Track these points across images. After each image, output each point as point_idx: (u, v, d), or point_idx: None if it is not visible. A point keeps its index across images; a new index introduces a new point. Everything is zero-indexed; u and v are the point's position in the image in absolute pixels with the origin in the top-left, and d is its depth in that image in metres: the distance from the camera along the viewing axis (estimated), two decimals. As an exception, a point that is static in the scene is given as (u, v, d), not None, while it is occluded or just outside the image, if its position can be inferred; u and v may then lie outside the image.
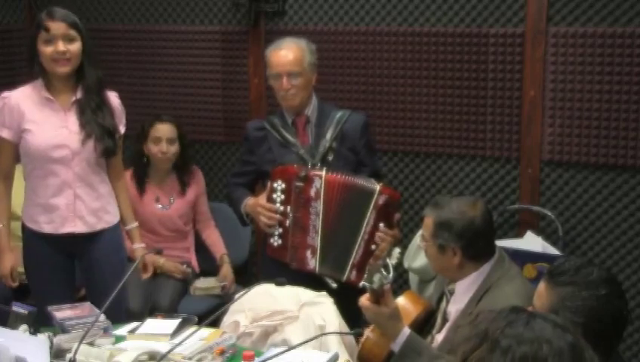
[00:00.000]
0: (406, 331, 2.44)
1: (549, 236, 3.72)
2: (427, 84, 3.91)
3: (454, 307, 2.61)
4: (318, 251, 3.13)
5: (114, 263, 3.20)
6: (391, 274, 2.43)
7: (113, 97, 3.25)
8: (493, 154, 3.84)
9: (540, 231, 3.73)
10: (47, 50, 3.05)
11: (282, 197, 3.15)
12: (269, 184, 3.19)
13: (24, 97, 3.14)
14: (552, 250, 3.58)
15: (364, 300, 2.45)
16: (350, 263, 3.13)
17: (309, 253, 3.14)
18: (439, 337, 2.63)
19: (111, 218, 3.26)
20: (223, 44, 4.30)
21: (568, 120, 3.66)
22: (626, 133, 3.57)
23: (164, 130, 3.91)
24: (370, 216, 3.11)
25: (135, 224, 3.41)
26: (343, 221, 3.11)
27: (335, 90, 4.09)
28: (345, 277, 3.13)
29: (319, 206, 3.11)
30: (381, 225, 3.13)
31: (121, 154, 3.33)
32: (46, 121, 3.11)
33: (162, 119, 3.93)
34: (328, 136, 3.24)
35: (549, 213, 3.73)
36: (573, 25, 3.61)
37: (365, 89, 4.04)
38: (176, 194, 4.01)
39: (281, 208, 3.16)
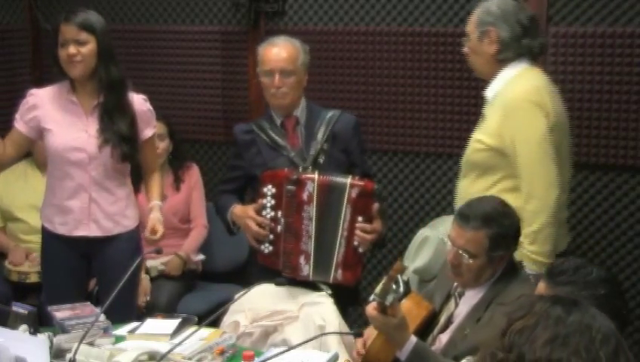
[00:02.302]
0: (413, 339, 2.40)
1: (549, 236, 3.71)
2: (427, 84, 3.91)
3: (463, 309, 2.60)
4: (312, 257, 3.02)
5: (129, 267, 3.13)
6: (401, 289, 2.41)
7: (139, 101, 3.20)
8: (493, 154, 3.83)
9: (540, 231, 3.72)
10: (61, 53, 3.07)
11: (273, 202, 3.03)
12: (258, 189, 3.08)
13: (50, 97, 3.15)
14: (552, 250, 3.57)
15: (371, 310, 2.42)
16: (334, 263, 3.02)
17: (302, 260, 3.02)
18: (443, 337, 2.62)
19: (129, 222, 3.23)
20: (223, 44, 4.31)
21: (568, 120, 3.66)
22: (625, 133, 3.57)
23: None
24: (345, 211, 3.00)
25: (156, 202, 3.25)
26: (326, 221, 3.02)
27: (335, 90, 4.09)
28: (331, 278, 3.02)
29: (312, 210, 3.00)
30: (359, 219, 3.02)
31: (154, 155, 3.32)
32: (67, 124, 3.11)
33: None
34: (319, 137, 3.15)
35: (549, 213, 3.72)
36: (573, 25, 3.61)
37: (365, 89, 4.04)
38: (170, 190, 4.01)
39: (272, 213, 3.04)
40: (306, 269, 3.01)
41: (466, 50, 3.10)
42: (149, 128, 3.24)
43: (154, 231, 3.14)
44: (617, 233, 3.67)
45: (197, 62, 4.41)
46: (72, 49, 3.04)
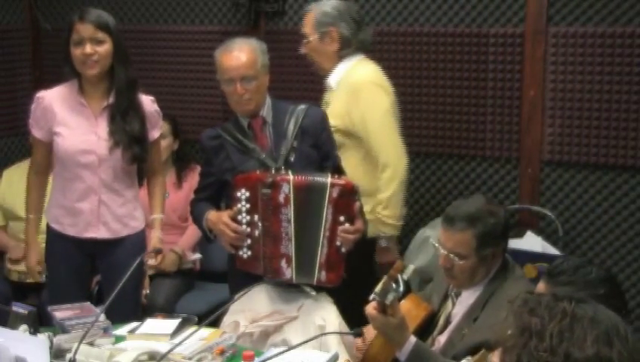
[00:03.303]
0: (412, 340, 2.40)
1: (549, 236, 3.72)
2: (427, 84, 3.91)
3: (460, 309, 2.61)
4: (293, 259, 2.90)
5: (134, 270, 3.06)
6: (401, 288, 2.41)
7: (147, 102, 3.21)
8: (493, 154, 3.84)
9: (539, 231, 3.72)
10: (76, 52, 3.05)
11: (248, 206, 2.92)
12: (231, 194, 2.98)
13: (58, 99, 3.13)
14: (552, 250, 3.58)
15: (371, 309, 2.42)
16: (317, 264, 2.92)
17: (283, 263, 2.90)
18: (442, 339, 2.62)
19: (137, 224, 3.23)
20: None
21: (568, 120, 3.66)
22: (625, 133, 3.57)
23: None
24: (327, 211, 2.89)
25: (158, 215, 3.29)
26: (306, 222, 2.92)
27: (335, 90, 4.09)
28: (315, 280, 2.92)
29: (290, 212, 2.88)
30: (341, 218, 2.90)
31: (159, 157, 3.31)
32: (77, 126, 3.10)
33: None
34: (289, 135, 3.04)
35: (549, 213, 3.73)
36: (573, 25, 3.61)
37: (365, 89, 4.03)
38: (172, 188, 4.04)
39: (248, 218, 2.93)
40: (289, 272, 2.91)
41: (304, 50, 3.42)
42: (156, 130, 3.24)
43: (156, 256, 3.15)
44: (617, 233, 3.67)
45: (197, 62, 4.41)
46: (88, 48, 3.03)
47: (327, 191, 2.89)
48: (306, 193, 2.91)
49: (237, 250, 2.98)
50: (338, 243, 2.92)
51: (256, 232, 2.93)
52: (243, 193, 2.94)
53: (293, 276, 2.91)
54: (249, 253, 2.96)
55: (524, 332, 1.46)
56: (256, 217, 2.93)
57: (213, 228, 3.04)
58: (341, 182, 2.93)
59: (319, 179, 2.92)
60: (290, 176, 2.90)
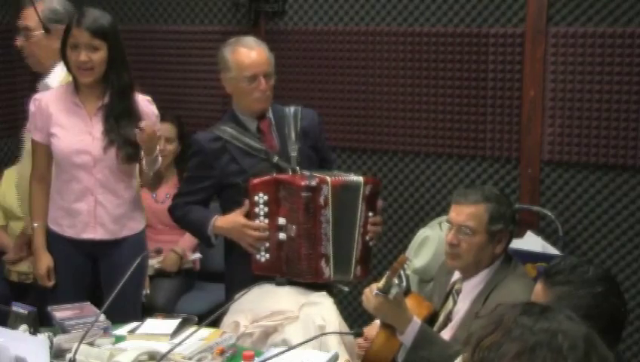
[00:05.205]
0: (417, 320, 2.40)
1: (549, 236, 3.72)
2: (427, 84, 3.91)
3: (462, 306, 2.61)
4: (332, 258, 2.95)
5: (135, 270, 3.04)
6: (404, 283, 2.42)
7: (144, 103, 3.20)
8: (493, 154, 3.84)
9: (539, 231, 3.73)
10: (71, 56, 3.05)
11: (266, 209, 2.93)
12: (248, 197, 2.95)
13: (54, 100, 3.14)
14: (552, 250, 3.58)
15: (367, 291, 2.43)
16: (353, 260, 2.99)
17: (323, 263, 2.93)
18: (444, 334, 2.62)
19: (135, 225, 3.23)
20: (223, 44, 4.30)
21: (568, 120, 3.66)
22: (626, 133, 3.57)
23: (163, 129, 3.93)
24: (361, 208, 2.97)
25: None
26: (343, 221, 2.97)
27: (335, 90, 4.09)
28: (352, 276, 3.01)
29: (328, 212, 2.92)
30: (370, 214, 3.01)
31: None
32: (72, 126, 3.10)
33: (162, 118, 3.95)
34: (293, 136, 3.07)
35: (549, 213, 3.73)
36: (573, 25, 3.61)
37: (365, 89, 4.04)
38: (173, 190, 4.02)
39: (266, 221, 2.94)
40: (327, 271, 2.95)
41: (21, 43, 3.50)
42: None
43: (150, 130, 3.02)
44: (617, 233, 3.67)
45: (197, 62, 4.41)
46: (83, 56, 3.02)
47: (362, 190, 2.98)
48: (342, 193, 2.97)
49: (256, 251, 2.97)
50: (367, 237, 3.02)
51: (280, 235, 2.93)
52: (261, 197, 2.93)
53: (332, 274, 2.97)
54: (267, 256, 2.97)
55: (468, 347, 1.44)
56: (280, 220, 2.93)
57: (229, 234, 3.02)
58: (372, 180, 3.05)
59: (352, 178, 3.01)
60: (329, 178, 2.95)
